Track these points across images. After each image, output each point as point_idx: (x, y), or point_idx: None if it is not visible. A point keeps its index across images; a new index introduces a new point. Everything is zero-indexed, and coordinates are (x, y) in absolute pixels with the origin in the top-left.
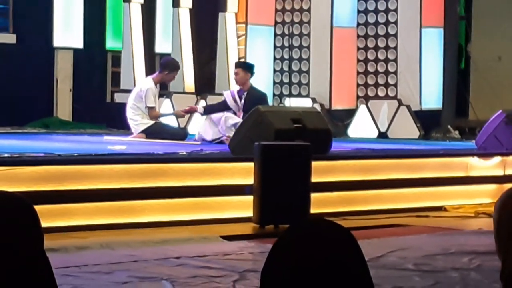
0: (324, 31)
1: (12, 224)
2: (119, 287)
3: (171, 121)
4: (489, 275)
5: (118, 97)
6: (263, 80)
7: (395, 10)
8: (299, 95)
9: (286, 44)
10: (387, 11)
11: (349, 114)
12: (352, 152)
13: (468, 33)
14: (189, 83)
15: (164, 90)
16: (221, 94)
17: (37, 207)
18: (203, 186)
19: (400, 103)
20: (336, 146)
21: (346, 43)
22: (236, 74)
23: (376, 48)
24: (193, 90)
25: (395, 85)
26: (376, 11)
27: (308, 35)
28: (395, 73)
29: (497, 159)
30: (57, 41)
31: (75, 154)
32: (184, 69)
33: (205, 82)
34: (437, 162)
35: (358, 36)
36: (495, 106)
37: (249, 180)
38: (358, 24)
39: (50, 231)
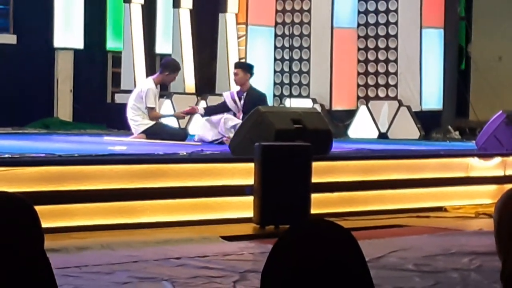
0: (325, 32)
1: (12, 224)
2: (119, 287)
3: (171, 122)
4: (489, 275)
5: (119, 98)
6: (263, 81)
7: (396, 11)
8: (299, 95)
9: (287, 45)
10: (387, 11)
11: (350, 114)
12: (352, 153)
13: (468, 33)
14: (190, 83)
15: (164, 91)
16: (221, 95)
17: (37, 208)
18: (203, 186)
19: (401, 104)
20: (337, 146)
21: (347, 43)
22: (235, 74)
23: (377, 48)
24: (194, 91)
25: (396, 85)
26: (376, 12)
27: (309, 35)
28: (396, 73)
29: (497, 159)
30: (58, 42)
31: (76, 155)
32: (185, 70)
33: (206, 83)
34: (437, 162)
35: (359, 36)
36: (496, 106)
37: (250, 181)
38: (359, 25)
39: (50, 232)
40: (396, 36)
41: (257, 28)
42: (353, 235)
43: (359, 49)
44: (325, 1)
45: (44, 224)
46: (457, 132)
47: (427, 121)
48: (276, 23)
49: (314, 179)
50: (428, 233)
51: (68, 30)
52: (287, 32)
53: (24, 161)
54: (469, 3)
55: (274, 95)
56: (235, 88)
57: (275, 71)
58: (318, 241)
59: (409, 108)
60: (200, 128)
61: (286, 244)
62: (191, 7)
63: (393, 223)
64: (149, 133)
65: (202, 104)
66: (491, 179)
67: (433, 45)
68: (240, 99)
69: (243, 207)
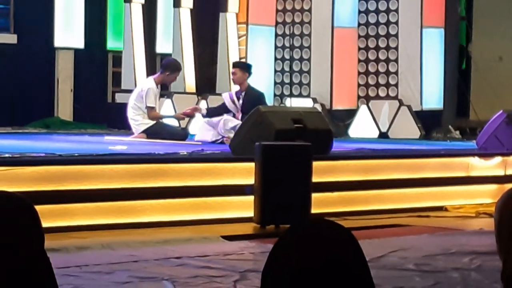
0: (325, 31)
1: (12, 224)
2: (119, 287)
3: (171, 122)
4: (490, 275)
5: (119, 97)
6: (264, 80)
7: (396, 10)
8: (300, 95)
9: (287, 44)
10: (388, 11)
11: (350, 114)
12: (353, 152)
13: (468, 33)
14: (190, 83)
15: (165, 90)
16: (221, 94)
17: (37, 207)
18: (204, 186)
19: (401, 103)
20: (337, 146)
21: (347, 43)
22: (233, 74)
23: (377, 48)
24: (194, 90)
25: (396, 85)
26: (377, 11)
27: (309, 35)
28: (396, 73)
29: (498, 159)
30: (58, 41)
31: (76, 154)
32: (185, 69)
33: (206, 83)
34: (438, 162)
35: (359, 36)
36: (496, 106)
37: (250, 180)
38: (359, 24)
39: (50, 231)
40: (396, 35)
41: (258, 28)
42: (354, 234)
43: (359, 48)
44: (325, 0)
45: (44, 224)
46: (457, 132)
47: (427, 121)
48: (277, 23)
49: (315, 179)
50: (429, 232)
51: (68, 30)
52: (287, 32)
53: (24, 160)
54: (470, 3)
55: (275, 95)
56: (235, 88)
57: (275, 71)
58: (319, 240)
59: (409, 107)
60: (200, 129)
61: (286, 243)
62: (191, 6)
63: (394, 223)
64: (150, 132)
65: (203, 104)
66: (492, 178)
67: (433, 45)
68: (238, 99)
69: (244, 207)
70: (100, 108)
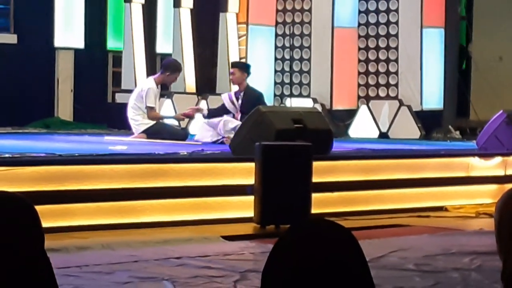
0: (325, 31)
1: (12, 224)
2: (119, 287)
3: (171, 122)
4: (490, 275)
5: (119, 97)
6: (264, 81)
7: (396, 10)
8: (300, 95)
9: (287, 44)
10: (388, 11)
11: (350, 114)
12: (353, 152)
13: (469, 33)
14: (190, 83)
15: (165, 90)
16: (221, 94)
17: (38, 207)
18: (204, 186)
19: (401, 103)
20: (337, 146)
21: (347, 43)
22: (232, 74)
23: (377, 48)
24: (194, 90)
25: (396, 85)
26: (377, 11)
27: (309, 35)
28: (396, 73)
29: (498, 159)
30: (58, 41)
31: (76, 154)
32: (185, 70)
33: (206, 83)
34: (438, 162)
35: (359, 36)
36: (496, 106)
37: (250, 180)
38: (359, 24)
39: (51, 231)
40: (396, 35)
41: (258, 28)
42: (354, 234)
43: (359, 48)
44: (325, 0)
45: (45, 224)
46: (457, 132)
47: (427, 121)
48: (277, 23)
49: (315, 179)
50: (429, 232)
51: (68, 30)
52: (287, 32)
53: (24, 160)
54: (470, 3)
55: (275, 95)
56: (235, 88)
57: (275, 71)
58: (319, 240)
59: (409, 107)
60: (199, 129)
61: (286, 243)
62: (191, 6)
63: (394, 223)
64: (150, 132)
65: (204, 105)
66: (492, 178)
67: (433, 45)
68: (237, 99)
69: (244, 207)
70: (100, 108)
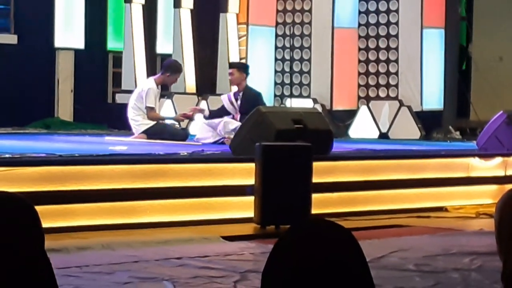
0: (325, 32)
1: (12, 224)
2: (120, 287)
3: (171, 122)
4: (490, 275)
5: (119, 98)
6: (264, 81)
7: (396, 11)
8: (300, 95)
9: (287, 45)
10: (388, 11)
11: (350, 114)
12: (353, 153)
13: (469, 33)
14: (190, 83)
15: (165, 91)
16: (222, 95)
17: (38, 208)
18: (204, 186)
19: (401, 104)
20: (337, 146)
21: (347, 43)
22: (231, 74)
23: (377, 48)
24: (194, 91)
25: (396, 85)
26: (377, 12)
27: (309, 35)
28: (396, 73)
29: (498, 159)
30: (58, 42)
31: (76, 155)
32: (185, 70)
33: (206, 83)
34: (438, 162)
35: (359, 36)
36: (496, 106)
37: (250, 181)
38: (359, 25)
39: (51, 232)
40: (397, 36)
41: (258, 28)
42: (354, 235)
43: (360, 49)
44: (325, 1)
45: (45, 224)
46: (457, 132)
47: (428, 121)
48: (277, 23)
49: (315, 179)
50: (429, 233)
51: (68, 30)
52: (288, 32)
53: (24, 161)
54: (470, 3)
55: (275, 95)
56: (234, 89)
57: (275, 71)
58: (319, 241)
59: (409, 108)
60: (200, 130)
61: (286, 244)
62: (191, 7)
63: (394, 223)
64: (150, 133)
65: (204, 105)
66: (492, 179)
67: (434, 45)
68: (237, 100)
69: (244, 207)
70: (100, 109)
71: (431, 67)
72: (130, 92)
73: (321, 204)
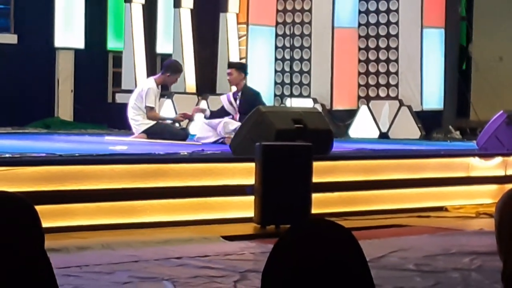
0: (325, 32)
1: (12, 224)
2: (120, 287)
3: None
4: (490, 275)
5: (119, 98)
6: (264, 81)
7: (396, 11)
8: (300, 95)
9: (287, 45)
10: (388, 11)
11: (350, 114)
12: (353, 153)
13: (469, 33)
14: (190, 83)
15: (165, 91)
16: (221, 95)
17: (38, 207)
18: (204, 186)
19: (401, 104)
20: (337, 146)
21: (347, 43)
22: (229, 74)
23: (377, 48)
24: (194, 91)
25: (396, 85)
26: (377, 12)
27: (309, 35)
28: (396, 73)
29: (498, 159)
30: (58, 42)
31: (76, 155)
32: (185, 70)
33: (206, 83)
34: (438, 162)
35: (359, 36)
36: (496, 106)
37: (250, 180)
38: (359, 25)
39: (51, 231)
40: (397, 36)
41: (258, 28)
42: (354, 235)
43: (360, 48)
44: (326, 1)
45: (45, 224)
46: (458, 132)
47: (428, 121)
48: (277, 23)
49: (315, 179)
50: (429, 233)
51: (68, 30)
52: (288, 32)
53: (24, 160)
54: (470, 3)
55: (275, 95)
56: (234, 89)
57: (276, 71)
58: (319, 241)
59: (410, 108)
60: (200, 129)
61: (286, 244)
62: (191, 6)
63: (394, 223)
64: (150, 132)
65: (203, 104)
66: (492, 179)
67: (434, 45)
68: (236, 100)
69: (244, 207)
70: (100, 108)
71: (431, 67)
72: (130, 92)
73: (321, 204)
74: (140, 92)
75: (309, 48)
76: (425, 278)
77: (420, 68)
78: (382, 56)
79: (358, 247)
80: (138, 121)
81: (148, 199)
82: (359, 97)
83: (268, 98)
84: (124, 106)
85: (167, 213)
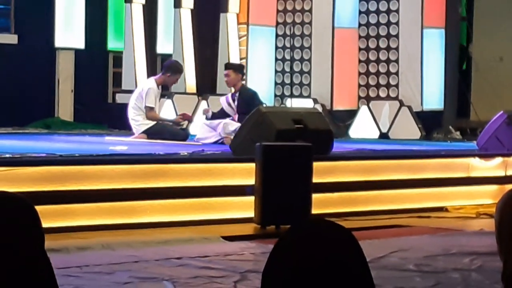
0: (326, 32)
1: (12, 224)
2: (120, 287)
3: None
4: (490, 275)
5: (120, 98)
6: (264, 81)
7: (397, 11)
8: (300, 95)
9: (288, 45)
10: (388, 11)
11: (351, 114)
12: (353, 153)
13: (469, 33)
14: (191, 83)
15: (165, 91)
16: (222, 95)
17: (38, 208)
18: (204, 186)
19: (402, 104)
20: (338, 146)
21: (348, 43)
22: (227, 76)
23: (378, 48)
24: (195, 91)
25: (397, 85)
26: (377, 12)
27: (310, 35)
28: (397, 73)
29: (498, 159)
30: (59, 42)
31: (77, 155)
32: (186, 70)
33: (207, 83)
34: (438, 162)
35: (360, 36)
36: (497, 106)
37: (251, 181)
38: (360, 25)
39: (51, 232)
40: (397, 36)
41: (258, 28)
42: (354, 235)
43: (360, 49)
44: (326, 1)
45: (45, 224)
46: (458, 132)
47: (428, 121)
48: (277, 23)
49: (315, 179)
50: (429, 233)
51: (69, 30)
52: (288, 32)
53: (25, 161)
54: (470, 3)
55: (275, 95)
56: (233, 89)
57: (276, 71)
58: (319, 241)
59: (410, 108)
60: (200, 130)
61: (286, 244)
62: (192, 7)
63: (394, 223)
64: (150, 133)
65: (204, 105)
66: (492, 179)
67: (434, 45)
68: (234, 101)
69: (244, 207)
70: (100, 109)
71: (431, 67)
72: (130, 92)
73: (321, 204)
74: (140, 92)
75: (310, 48)
76: (425, 278)
77: (420, 68)
78: (382, 57)
79: (358, 247)
80: (138, 121)
81: (148, 199)
82: (359, 98)
83: (268, 98)
84: (124, 106)
85: (167, 213)
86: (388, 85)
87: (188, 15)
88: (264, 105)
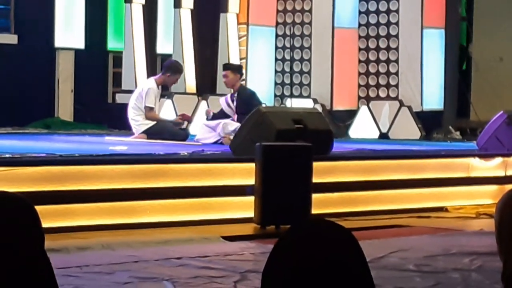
0: (326, 32)
1: (12, 224)
2: (120, 287)
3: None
4: (490, 276)
5: (120, 98)
6: (264, 81)
7: (397, 11)
8: (300, 96)
9: (288, 45)
10: (388, 12)
11: (350, 114)
12: (353, 153)
13: (469, 33)
14: (191, 84)
15: (165, 91)
16: (222, 95)
17: (38, 208)
18: (204, 186)
19: (402, 104)
20: (337, 146)
21: (348, 43)
22: (225, 76)
23: (378, 48)
24: (195, 91)
25: (397, 85)
26: (377, 12)
27: (310, 36)
28: (397, 73)
29: (498, 160)
30: (59, 42)
31: (76, 155)
32: (186, 70)
33: (206, 83)
34: (438, 162)
35: (360, 36)
36: (497, 106)
37: (250, 181)
38: (360, 25)
39: (51, 232)
40: (397, 36)
41: (258, 28)
42: (354, 235)
43: (360, 49)
44: (326, 1)
45: (45, 224)
46: (458, 132)
47: (428, 121)
48: (277, 23)
49: (315, 179)
50: (429, 233)
51: (69, 30)
52: (288, 32)
53: (25, 161)
54: (470, 3)
55: (275, 95)
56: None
57: (276, 71)
58: (319, 241)
59: (410, 108)
60: (199, 130)
61: (286, 244)
62: (192, 7)
63: (394, 223)
64: (150, 133)
65: (204, 105)
66: (492, 179)
67: (434, 45)
68: (233, 101)
69: (244, 207)
70: (100, 109)
71: (431, 67)
72: (130, 92)
73: (321, 204)
74: (140, 92)
75: (309, 48)
76: (425, 279)
77: (420, 69)
78: (382, 57)
79: (358, 247)
80: (138, 121)
81: (148, 199)
82: (359, 98)
83: (268, 98)
84: (124, 107)
85: (167, 213)
86: (388, 85)
87: (188, 15)
88: (263, 105)
